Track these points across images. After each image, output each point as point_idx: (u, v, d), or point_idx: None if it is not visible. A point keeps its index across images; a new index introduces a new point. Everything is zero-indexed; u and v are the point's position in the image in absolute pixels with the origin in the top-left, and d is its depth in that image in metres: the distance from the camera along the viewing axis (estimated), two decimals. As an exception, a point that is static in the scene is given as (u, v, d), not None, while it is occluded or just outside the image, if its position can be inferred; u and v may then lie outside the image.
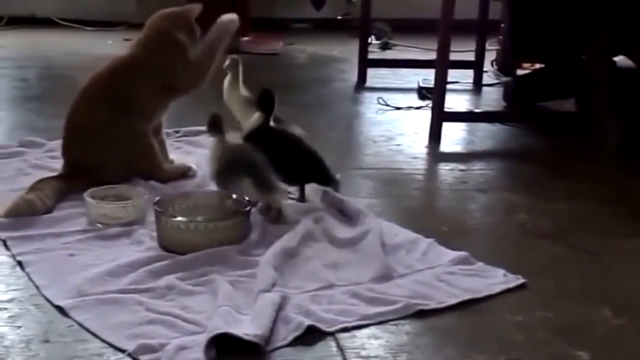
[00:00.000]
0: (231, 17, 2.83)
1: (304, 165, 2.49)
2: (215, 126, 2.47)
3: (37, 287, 1.96)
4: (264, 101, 2.53)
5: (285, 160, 2.45)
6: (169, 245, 2.15)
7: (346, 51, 5.21)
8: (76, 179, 2.53)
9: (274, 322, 1.78)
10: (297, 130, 2.68)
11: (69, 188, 2.50)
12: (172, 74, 2.66)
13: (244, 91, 2.91)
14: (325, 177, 2.49)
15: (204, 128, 2.64)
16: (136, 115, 2.60)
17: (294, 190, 2.54)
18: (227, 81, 2.92)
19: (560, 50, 3.73)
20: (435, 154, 3.24)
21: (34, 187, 2.44)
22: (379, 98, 3.96)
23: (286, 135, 2.54)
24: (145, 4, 5.40)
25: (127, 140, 2.58)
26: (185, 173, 2.72)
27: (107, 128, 2.56)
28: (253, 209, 2.32)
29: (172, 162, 2.78)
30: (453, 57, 3.42)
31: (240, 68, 2.92)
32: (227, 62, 2.91)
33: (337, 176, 2.65)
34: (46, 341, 1.73)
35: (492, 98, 4.30)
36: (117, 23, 5.55)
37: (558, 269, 2.20)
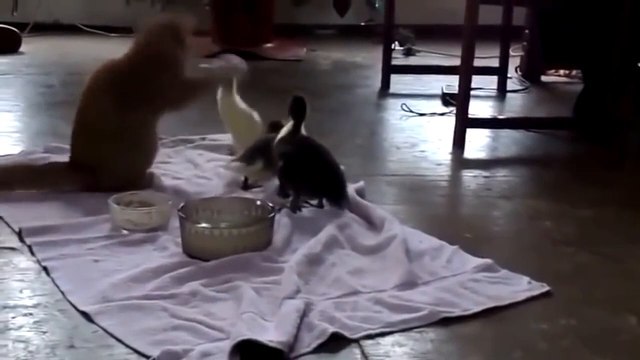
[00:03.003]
0: (240, 64, 2.81)
1: (325, 178, 2.49)
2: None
3: (62, 292, 1.96)
4: (295, 109, 2.53)
5: (310, 171, 2.46)
6: (193, 252, 2.15)
7: (370, 58, 5.21)
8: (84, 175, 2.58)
9: (298, 329, 1.78)
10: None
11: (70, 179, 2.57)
12: (159, 85, 2.63)
13: (241, 104, 2.90)
14: (338, 195, 2.49)
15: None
16: (144, 118, 2.63)
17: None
18: (220, 96, 2.91)
19: (594, 56, 3.68)
20: (459, 161, 3.23)
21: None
22: (403, 104, 3.96)
23: (315, 146, 2.53)
24: (169, 12, 5.44)
25: (135, 143, 2.62)
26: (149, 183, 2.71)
27: (118, 131, 2.57)
28: (277, 216, 2.32)
29: None
30: (477, 63, 3.41)
31: (235, 83, 2.90)
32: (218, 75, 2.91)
33: (361, 183, 2.66)
34: (71, 347, 1.73)
35: (517, 104, 4.30)
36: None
37: (583, 276, 2.19)
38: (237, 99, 2.91)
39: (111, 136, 2.57)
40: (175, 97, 2.67)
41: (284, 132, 2.55)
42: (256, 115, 2.88)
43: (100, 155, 2.58)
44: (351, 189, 2.55)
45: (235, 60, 2.88)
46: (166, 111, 2.67)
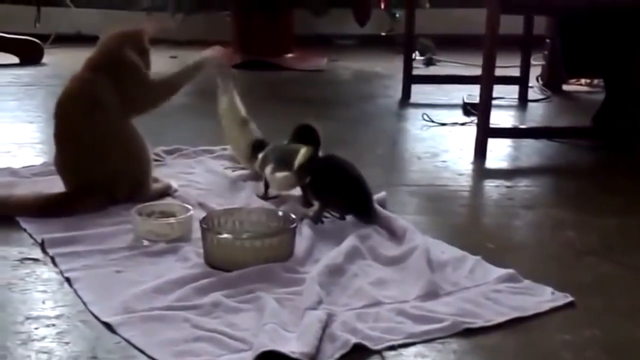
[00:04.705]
0: (212, 54, 2.82)
1: (353, 193, 2.49)
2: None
3: (84, 303, 1.96)
4: (305, 136, 2.52)
5: (338, 186, 2.47)
6: (215, 262, 2.15)
7: (390, 67, 5.21)
8: (83, 199, 2.55)
9: (320, 339, 1.77)
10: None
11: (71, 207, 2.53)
12: (125, 88, 2.62)
13: (241, 109, 2.89)
14: (365, 211, 2.48)
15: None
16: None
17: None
18: (222, 99, 2.89)
19: (616, 65, 3.66)
20: (480, 171, 3.23)
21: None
22: (423, 114, 3.95)
23: (340, 161, 2.53)
24: (189, 22, 5.46)
25: (132, 147, 2.62)
26: (166, 191, 2.71)
27: (117, 142, 2.59)
28: (299, 226, 2.32)
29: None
30: (498, 72, 3.40)
31: (236, 85, 2.88)
32: (221, 75, 2.88)
33: (382, 193, 2.65)
34: (94, 357, 1.73)
35: (538, 114, 4.29)
36: (161, 40, 5.58)
37: (606, 286, 2.18)
38: (239, 103, 2.89)
39: (113, 149, 2.58)
40: (142, 97, 2.67)
41: (300, 159, 2.53)
42: (252, 125, 2.89)
43: (109, 172, 2.57)
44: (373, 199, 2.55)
45: (206, 55, 2.85)
46: (138, 112, 2.66)
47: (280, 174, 2.59)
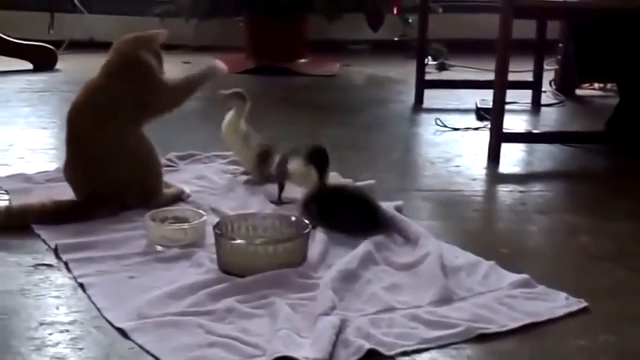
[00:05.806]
0: (221, 65, 2.82)
1: (365, 221, 2.48)
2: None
3: (98, 309, 1.97)
4: (316, 161, 2.51)
5: (348, 220, 2.46)
6: (229, 268, 2.15)
7: (403, 72, 5.21)
8: (96, 206, 2.55)
9: (334, 345, 1.77)
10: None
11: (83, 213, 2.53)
12: (142, 92, 2.62)
13: (244, 127, 2.88)
14: (380, 227, 2.46)
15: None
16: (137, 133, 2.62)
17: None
18: (229, 115, 2.89)
19: (630, 69, 3.65)
20: (494, 176, 3.22)
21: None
22: (436, 119, 3.95)
23: (344, 193, 2.53)
24: (203, 28, 5.47)
25: (143, 152, 2.62)
26: (178, 197, 2.71)
27: (129, 149, 2.58)
28: (312, 231, 2.32)
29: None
30: (511, 77, 3.38)
31: (248, 105, 2.87)
32: (230, 92, 2.88)
33: (400, 202, 2.65)
34: (108, 363, 1.74)
35: (551, 118, 4.28)
36: (175, 46, 5.59)
37: (621, 291, 2.17)
38: (243, 122, 2.88)
39: (123, 158, 2.57)
40: (158, 102, 2.66)
41: (309, 190, 2.52)
42: (254, 141, 2.88)
43: (119, 181, 2.56)
44: (390, 206, 2.56)
45: (217, 63, 2.85)
46: (152, 117, 2.66)
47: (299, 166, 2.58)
